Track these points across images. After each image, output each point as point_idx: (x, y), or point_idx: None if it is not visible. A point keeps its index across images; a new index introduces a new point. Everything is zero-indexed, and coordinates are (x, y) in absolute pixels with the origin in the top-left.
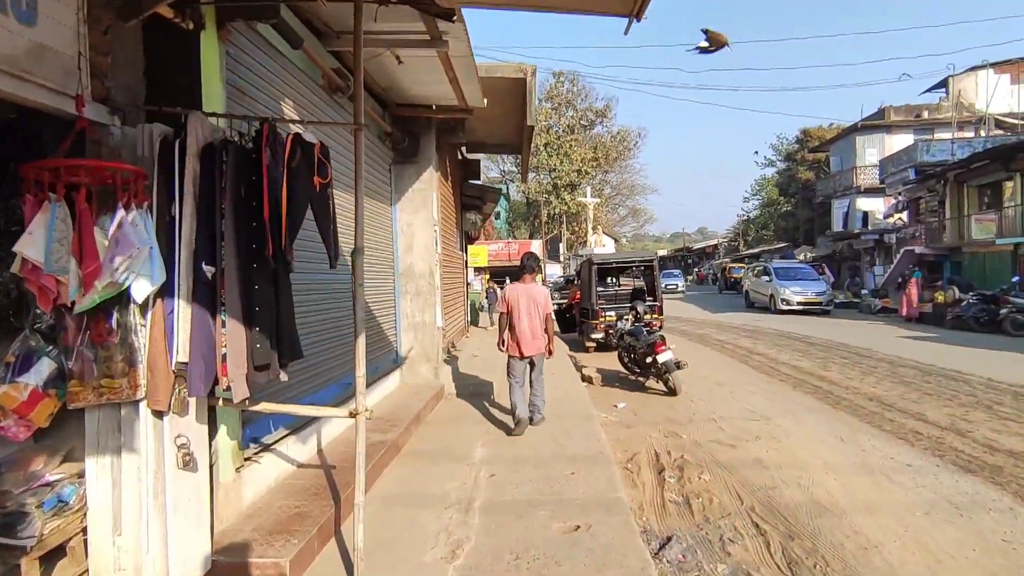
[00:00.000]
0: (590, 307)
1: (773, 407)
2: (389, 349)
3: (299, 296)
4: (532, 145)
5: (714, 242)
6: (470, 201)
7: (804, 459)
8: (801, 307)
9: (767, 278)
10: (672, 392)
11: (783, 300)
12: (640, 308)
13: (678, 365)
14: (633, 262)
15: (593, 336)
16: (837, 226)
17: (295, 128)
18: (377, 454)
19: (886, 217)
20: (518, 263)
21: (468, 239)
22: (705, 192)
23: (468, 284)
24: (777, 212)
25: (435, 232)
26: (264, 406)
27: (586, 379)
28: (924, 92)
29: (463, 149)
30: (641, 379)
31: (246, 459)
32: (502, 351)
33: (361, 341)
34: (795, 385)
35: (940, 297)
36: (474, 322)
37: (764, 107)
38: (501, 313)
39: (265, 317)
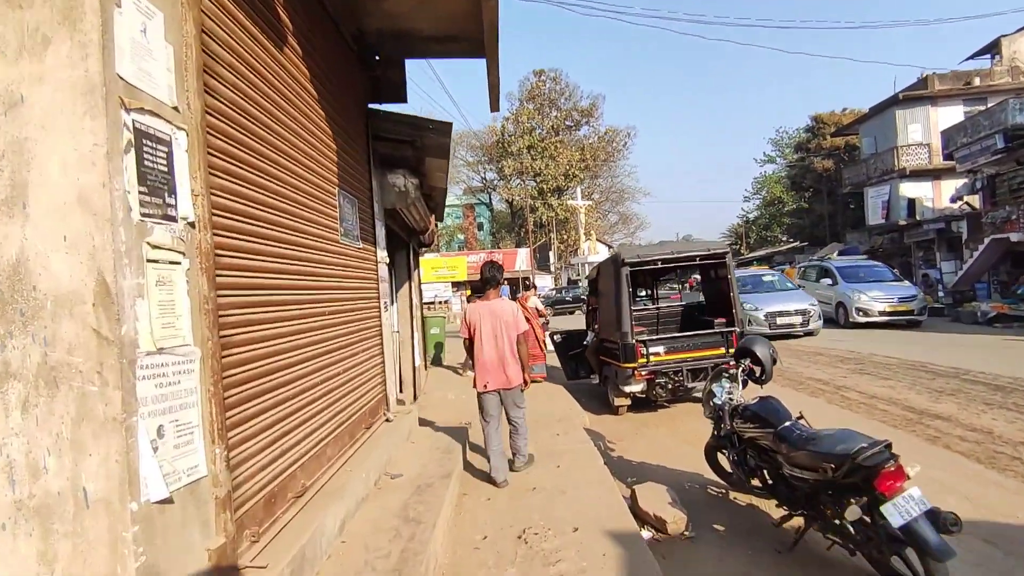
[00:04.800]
0: (620, 339)
1: None
2: None
3: None
4: (515, 148)
5: None
6: (392, 150)
7: None
8: (885, 318)
9: (828, 281)
10: None
11: (859, 310)
12: (764, 352)
13: (943, 524)
14: (691, 258)
15: (628, 389)
16: (875, 218)
17: None
18: None
19: (954, 200)
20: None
21: (409, 233)
22: (695, 198)
23: (429, 306)
24: (781, 211)
25: (137, 129)
26: None
27: (652, 523)
28: (968, 58)
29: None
30: (780, 519)
31: None
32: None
33: None
34: None
35: None
36: (437, 363)
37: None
38: (464, 339)
39: None
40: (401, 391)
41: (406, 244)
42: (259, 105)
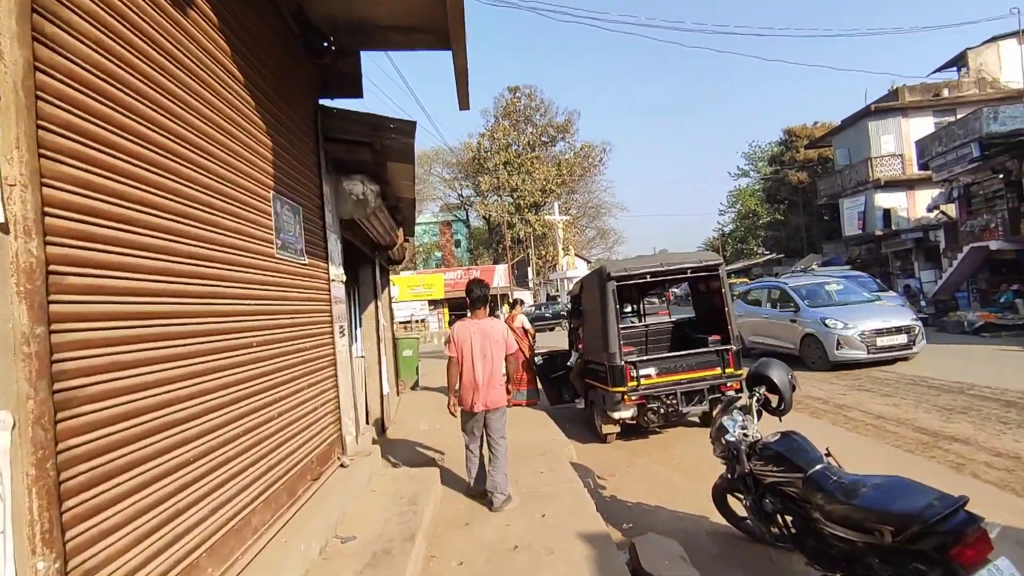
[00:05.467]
0: (608, 361)
1: None
2: None
3: None
4: (491, 164)
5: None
6: (347, 153)
7: None
8: None
9: None
10: None
11: None
12: (781, 378)
13: None
14: (682, 271)
15: (617, 415)
16: (851, 228)
17: None
18: None
19: (930, 210)
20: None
21: (374, 248)
22: (671, 212)
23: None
24: (756, 224)
25: None
26: None
27: None
28: (937, 70)
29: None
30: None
31: None
32: (455, 414)
33: None
34: None
35: None
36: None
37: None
38: (451, 358)
39: None
40: (368, 422)
41: (371, 260)
42: (142, 74)
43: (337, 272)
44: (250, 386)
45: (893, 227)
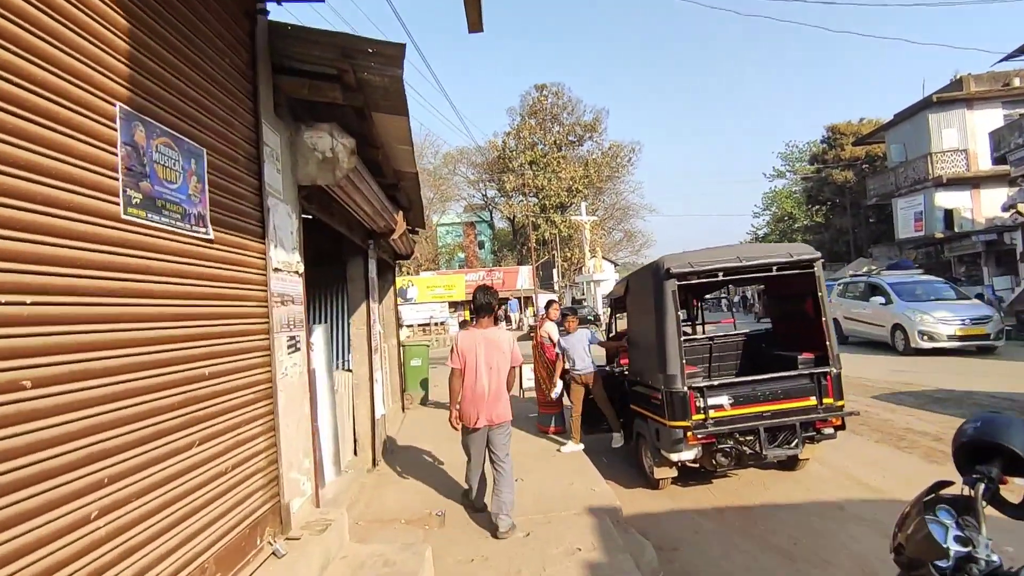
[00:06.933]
0: (665, 385)
1: None
2: None
3: None
4: (516, 163)
5: None
6: (309, 91)
7: None
8: (955, 343)
9: (880, 300)
10: None
11: (923, 333)
12: None
13: None
14: (765, 268)
15: (676, 457)
16: (907, 230)
17: None
18: None
19: (1005, 209)
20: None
21: (367, 235)
22: (702, 213)
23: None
24: (792, 227)
25: None
26: None
27: None
28: (1001, 60)
29: None
30: None
31: None
32: (456, 427)
33: None
34: None
35: None
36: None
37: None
38: (453, 370)
39: None
40: (355, 453)
41: (361, 250)
42: None
43: (286, 259)
44: (44, 462)
45: (956, 229)
